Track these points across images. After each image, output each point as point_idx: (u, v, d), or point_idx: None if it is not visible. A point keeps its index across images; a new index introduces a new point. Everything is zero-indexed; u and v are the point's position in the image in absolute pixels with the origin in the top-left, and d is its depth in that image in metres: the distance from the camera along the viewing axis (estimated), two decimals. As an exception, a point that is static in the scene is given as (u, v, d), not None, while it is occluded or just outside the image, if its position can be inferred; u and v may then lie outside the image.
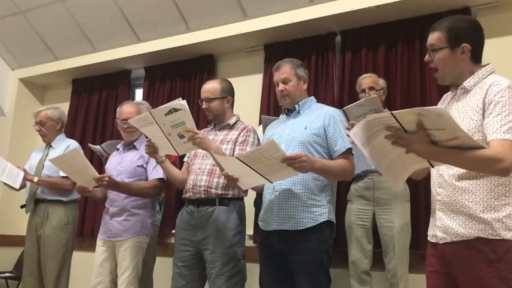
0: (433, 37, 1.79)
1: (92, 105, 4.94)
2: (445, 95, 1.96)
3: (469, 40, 1.78)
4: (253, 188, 2.58)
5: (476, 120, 1.68)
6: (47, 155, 3.47)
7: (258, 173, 2.09)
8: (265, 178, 2.13)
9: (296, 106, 2.46)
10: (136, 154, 3.05)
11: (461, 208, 1.69)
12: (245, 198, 2.74)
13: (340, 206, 3.16)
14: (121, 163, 3.05)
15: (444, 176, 1.76)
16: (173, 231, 2.80)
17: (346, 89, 3.58)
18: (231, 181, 2.22)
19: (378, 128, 1.53)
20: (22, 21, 4.77)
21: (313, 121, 2.37)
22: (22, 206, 3.52)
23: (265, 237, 2.41)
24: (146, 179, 3.00)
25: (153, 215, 3.06)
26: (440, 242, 1.75)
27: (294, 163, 2.01)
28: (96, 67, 4.79)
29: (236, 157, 2.07)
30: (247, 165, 2.06)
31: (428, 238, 1.84)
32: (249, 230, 3.02)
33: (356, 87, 3.21)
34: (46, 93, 5.52)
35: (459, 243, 1.69)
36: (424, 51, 3.26)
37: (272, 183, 2.21)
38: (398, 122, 1.49)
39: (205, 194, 2.57)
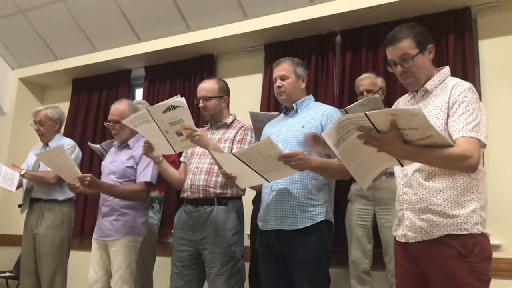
0: (402, 47, 1.82)
1: (92, 105, 4.93)
2: (399, 99, 2.01)
3: (431, 41, 1.88)
4: (252, 187, 2.58)
5: (442, 119, 1.75)
6: None
7: (255, 171, 2.09)
8: (263, 177, 2.13)
9: (294, 105, 2.46)
10: (127, 154, 3.02)
11: (429, 206, 1.74)
12: (243, 197, 2.74)
13: (341, 206, 3.16)
14: (113, 162, 3.05)
15: (409, 176, 1.82)
16: (173, 231, 2.80)
17: (346, 89, 3.57)
18: (229, 179, 2.22)
19: (351, 128, 1.57)
20: (22, 21, 4.77)
21: (311, 120, 2.37)
22: (20, 206, 3.52)
23: (264, 237, 2.41)
24: (136, 180, 2.98)
25: (144, 215, 3.03)
26: (410, 241, 1.79)
27: (291, 161, 2.01)
28: (96, 67, 4.78)
29: (232, 154, 2.06)
30: (244, 163, 2.05)
31: (397, 239, 1.88)
32: (247, 230, 3.02)
33: (355, 87, 3.21)
34: (46, 92, 5.52)
35: (429, 241, 1.74)
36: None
37: (269, 182, 2.21)
38: (371, 122, 1.53)
39: (204, 193, 2.57)
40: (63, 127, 3.79)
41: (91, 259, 3.01)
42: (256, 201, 2.80)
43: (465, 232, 1.69)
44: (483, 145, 1.73)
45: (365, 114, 1.51)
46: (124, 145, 3.09)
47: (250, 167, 2.07)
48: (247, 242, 3.02)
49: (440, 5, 3.28)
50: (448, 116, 1.74)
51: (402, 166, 1.72)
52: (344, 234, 3.08)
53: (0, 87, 5.21)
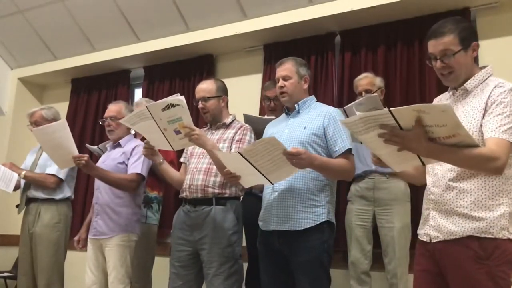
0: (444, 42, 1.74)
1: (91, 105, 4.93)
2: (439, 97, 1.96)
3: (476, 39, 1.79)
4: (254, 187, 2.57)
5: (478, 120, 1.68)
6: (40, 155, 3.48)
7: (259, 171, 2.08)
8: (266, 178, 2.12)
9: (296, 105, 2.45)
10: (119, 152, 3.07)
11: (455, 207, 1.70)
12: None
13: (341, 206, 3.16)
14: (105, 161, 3.07)
15: (438, 176, 1.77)
16: (171, 231, 2.80)
17: (346, 89, 3.57)
18: (233, 178, 2.21)
19: (372, 125, 1.52)
20: (21, 21, 4.76)
21: (313, 121, 2.36)
22: (17, 206, 3.52)
23: (264, 237, 2.41)
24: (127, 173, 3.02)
25: (137, 213, 3.04)
26: (433, 241, 1.76)
27: (293, 159, 2.02)
28: (95, 67, 4.78)
29: (238, 152, 2.06)
30: (249, 162, 2.05)
31: (419, 237, 1.85)
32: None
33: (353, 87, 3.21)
34: (45, 92, 5.51)
35: (450, 241, 1.70)
36: (423, 51, 3.28)
37: (272, 184, 2.21)
38: (395, 119, 1.49)
39: (202, 193, 2.56)
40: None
41: (87, 260, 3.01)
42: (245, 202, 2.80)
43: (489, 236, 1.64)
44: None
45: (389, 110, 1.46)
46: (116, 145, 3.13)
47: (254, 167, 2.07)
48: (244, 242, 3.02)
49: (440, 5, 3.28)
50: (483, 116, 1.68)
51: (424, 165, 1.69)
52: (344, 234, 3.08)
53: (-1, 87, 5.22)
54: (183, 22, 4.17)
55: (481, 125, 1.67)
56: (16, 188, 3.43)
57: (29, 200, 3.42)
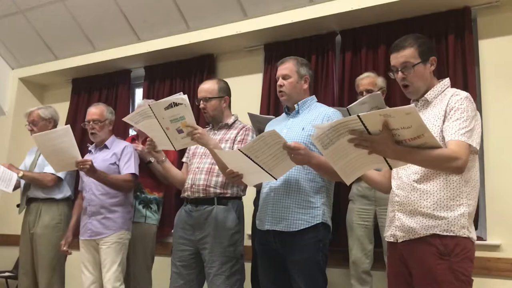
0: (405, 55, 1.89)
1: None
2: None
3: (434, 53, 1.93)
4: (255, 186, 2.58)
5: (438, 126, 1.81)
6: (39, 155, 3.48)
7: (261, 167, 2.08)
8: (269, 173, 2.12)
9: (296, 105, 2.45)
10: (108, 153, 3.13)
11: (419, 208, 1.80)
12: (244, 197, 2.74)
13: (342, 206, 3.17)
14: (94, 163, 3.05)
15: (403, 179, 1.87)
16: (173, 230, 2.81)
17: (346, 88, 3.57)
18: (236, 177, 2.21)
19: (342, 131, 1.61)
20: (22, 21, 4.76)
21: (312, 122, 2.35)
22: (18, 205, 3.52)
23: (261, 236, 2.41)
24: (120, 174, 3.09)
25: (130, 211, 3.14)
26: (399, 240, 1.86)
27: (291, 153, 2.03)
28: (96, 67, 4.78)
29: (239, 150, 2.06)
30: (250, 159, 2.05)
31: (387, 239, 1.95)
32: (248, 230, 3.03)
33: (355, 87, 3.20)
34: (46, 92, 5.51)
35: (415, 240, 1.81)
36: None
37: (276, 179, 2.20)
38: (363, 124, 1.57)
39: (204, 193, 2.57)
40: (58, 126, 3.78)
41: (82, 261, 3.02)
42: (257, 202, 2.80)
43: (451, 234, 1.75)
44: (475, 151, 1.80)
45: (358, 116, 1.55)
46: (101, 147, 3.19)
47: (256, 163, 2.07)
48: (248, 242, 3.03)
49: (440, 5, 3.27)
50: (443, 122, 1.80)
51: (391, 168, 1.77)
52: (345, 234, 3.09)
53: (0, 87, 5.21)
54: (184, 22, 4.17)
55: (441, 131, 1.79)
56: (16, 187, 3.44)
57: (30, 200, 3.43)
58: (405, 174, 1.87)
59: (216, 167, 2.53)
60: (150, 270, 3.38)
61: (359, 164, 1.73)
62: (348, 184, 1.83)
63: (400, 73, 1.91)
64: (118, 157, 3.10)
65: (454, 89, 1.89)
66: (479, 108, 2.80)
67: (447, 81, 1.95)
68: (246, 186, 2.61)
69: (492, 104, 3.09)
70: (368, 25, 3.60)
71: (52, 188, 3.38)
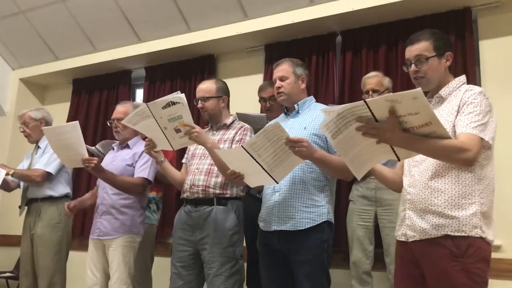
0: (419, 48, 1.86)
1: (93, 105, 4.93)
2: None
3: (451, 49, 1.90)
4: (256, 189, 2.58)
5: (451, 121, 1.77)
6: (35, 154, 3.49)
7: (263, 168, 2.08)
8: (271, 176, 2.12)
9: (296, 105, 2.46)
10: (128, 153, 3.07)
11: (430, 206, 1.76)
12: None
13: (342, 206, 3.16)
14: (113, 162, 3.07)
15: (415, 176, 1.83)
16: (173, 231, 2.80)
17: (347, 89, 3.57)
18: (237, 178, 2.21)
19: (350, 119, 1.58)
20: (22, 21, 4.77)
21: (313, 121, 2.37)
22: (20, 207, 3.52)
23: (264, 238, 2.41)
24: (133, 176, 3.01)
25: (142, 214, 3.04)
26: (410, 240, 1.81)
27: (295, 146, 2.02)
28: (97, 67, 4.78)
29: (241, 146, 2.05)
30: (252, 157, 2.04)
31: (397, 238, 1.90)
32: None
33: (360, 86, 3.17)
34: (46, 93, 5.52)
35: (426, 241, 1.76)
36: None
37: (278, 183, 2.20)
38: (370, 111, 1.54)
39: (203, 194, 2.57)
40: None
41: (88, 261, 3.00)
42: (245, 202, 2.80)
43: (462, 234, 1.70)
44: (488, 146, 1.75)
45: (365, 101, 1.52)
46: (124, 146, 3.12)
47: (258, 162, 2.06)
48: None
49: (441, 5, 3.28)
50: (456, 117, 1.76)
51: (399, 160, 1.73)
52: (345, 234, 3.09)
53: (1, 87, 5.22)
54: (184, 23, 4.18)
55: (454, 126, 1.75)
56: (15, 188, 3.43)
57: (30, 201, 3.43)
58: (418, 172, 1.82)
59: (216, 168, 2.53)
60: (150, 271, 3.38)
61: (368, 155, 1.70)
62: (359, 178, 1.79)
63: (413, 66, 1.87)
64: (136, 158, 3.02)
65: (469, 85, 1.86)
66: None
67: (463, 77, 1.90)
68: (245, 186, 2.60)
69: (493, 104, 3.08)
70: (368, 26, 3.60)
71: (45, 186, 3.36)
